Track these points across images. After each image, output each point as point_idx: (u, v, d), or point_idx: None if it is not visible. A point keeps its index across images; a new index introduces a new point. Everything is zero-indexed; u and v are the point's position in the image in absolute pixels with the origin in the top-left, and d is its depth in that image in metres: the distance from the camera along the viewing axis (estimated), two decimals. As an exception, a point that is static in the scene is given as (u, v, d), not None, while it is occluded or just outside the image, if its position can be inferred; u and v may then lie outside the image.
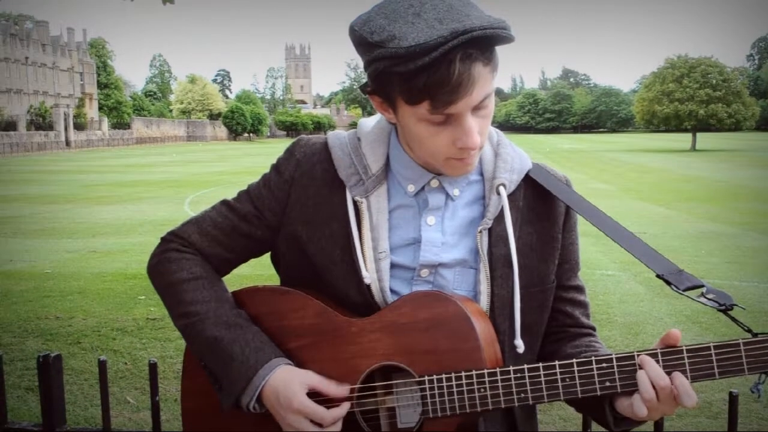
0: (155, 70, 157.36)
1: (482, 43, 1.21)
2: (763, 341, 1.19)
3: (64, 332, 7.21)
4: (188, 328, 1.45)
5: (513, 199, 1.44)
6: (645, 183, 26.68)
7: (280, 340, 1.43)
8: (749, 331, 1.24)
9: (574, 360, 1.27)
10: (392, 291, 1.40)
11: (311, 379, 1.36)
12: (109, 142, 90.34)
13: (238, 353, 1.39)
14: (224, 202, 1.54)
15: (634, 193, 22.48)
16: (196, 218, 1.55)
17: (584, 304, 1.55)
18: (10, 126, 72.95)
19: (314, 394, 1.35)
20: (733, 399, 1.80)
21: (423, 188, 1.42)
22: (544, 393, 1.28)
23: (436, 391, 1.30)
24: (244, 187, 1.55)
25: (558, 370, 1.27)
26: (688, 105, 64.04)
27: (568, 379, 1.26)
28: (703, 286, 1.32)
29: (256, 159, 47.16)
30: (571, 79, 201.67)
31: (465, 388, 1.29)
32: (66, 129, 79.87)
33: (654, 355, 1.24)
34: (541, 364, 1.28)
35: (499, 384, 1.28)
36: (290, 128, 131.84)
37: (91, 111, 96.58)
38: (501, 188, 1.42)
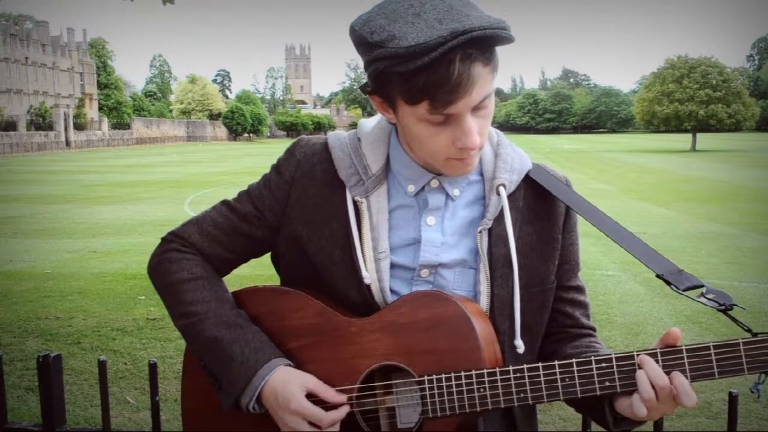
0: (155, 71, 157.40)
1: (482, 44, 1.21)
2: (762, 341, 1.19)
3: (64, 332, 7.21)
4: (188, 328, 1.46)
5: (513, 199, 1.44)
6: (645, 183, 26.69)
7: (280, 340, 1.43)
8: (749, 330, 1.24)
9: (574, 360, 1.27)
10: (392, 291, 1.40)
11: (310, 381, 1.36)
12: (109, 142, 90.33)
13: (237, 353, 1.39)
14: (224, 203, 1.54)
15: (634, 194, 22.48)
16: (197, 218, 1.55)
17: (584, 305, 1.55)
18: (10, 126, 72.96)
19: (312, 397, 1.35)
20: (732, 399, 1.80)
21: (423, 188, 1.42)
22: (544, 393, 1.28)
23: (436, 391, 1.30)
24: (245, 188, 1.55)
25: (557, 370, 1.27)
26: (688, 105, 64.08)
27: (567, 379, 1.27)
28: (702, 286, 1.32)
29: (256, 159, 47.17)
30: (571, 80, 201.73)
31: (464, 388, 1.29)
32: (66, 129, 79.88)
33: (653, 355, 1.24)
34: (540, 364, 1.28)
35: (499, 384, 1.28)
36: (290, 128, 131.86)
37: (91, 111, 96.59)
38: (501, 188, 1.42)
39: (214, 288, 1.48)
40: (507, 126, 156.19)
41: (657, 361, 1.23)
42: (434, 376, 1.30)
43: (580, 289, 1.54)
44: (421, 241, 1.41)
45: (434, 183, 1.42)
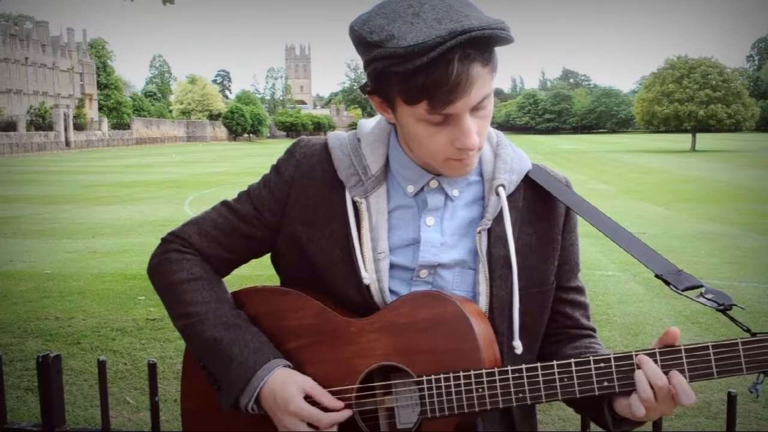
0: (155, 71, 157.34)
1: (481, 44, 1.21)
2: (761, 341, 1.19)
3: (63, 333, 7.21)
4: (188, 329, 1.46)
5: (512, 199, 1.44)
6: (645, 183, 26.69)
7: (280, 340, 1.43)
8: (748, 330, 1.24)
9: (572, 360, 1.27)
10: (391, 291, 1.40)
11: (308, 384, 1.37)
12: (108, 142, 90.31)
13: (237, 354, 1.39)
14: (224, 203, 1.54)
15: (633, 194, 22.49)
16: (197, 219, 1.55)
17: (584, 306, 1.55)
18: (10, 126, 72.93)
19: (310, 400, 1.35)
20: (731, 399, 1.80)
21: (422, 189, 1.42)
22: (542, 393, 1.28)
23: (435, 392, 1.30)
24: (245, 188, 1.55)
25: (556, 370, 1.27)
26: (687, 106, 64.10)
27: (566, 379, 1.27)
28: (702, 286, 1.32)
29: (256, 159, 47.17)
30: (571, 80, 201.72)
31: (463, 389, 1.29)
32: (66, 129, 79.86)
33: (652, 355, 1.24)
34: (539, 364, 1.28)
35: (498, 384, 1.28)
36: (290, 129, 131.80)
37: (91, 111, 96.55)
38: (500, 189, 1.42)
39: (214, 288, 1.49)
40: (507, 126, 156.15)
41: (656, 361, 1.23)
42: (433, 377, 1.30)
43: (580, 290, 1.54)
44: (421, 241, 1.41)
45: (433, 183, 1.42)
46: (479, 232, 1.40)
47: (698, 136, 65.02)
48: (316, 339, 1.40)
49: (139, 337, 7.05)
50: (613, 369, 1.25)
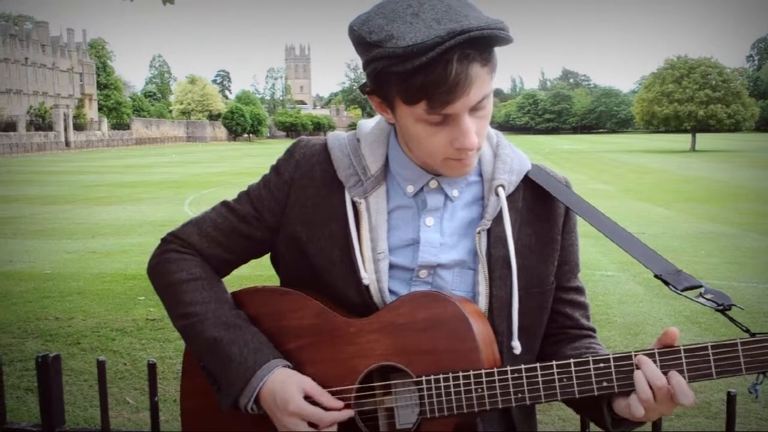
0: (155, 71, 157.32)
1: (480, 44, 1.21)
2: (761, 341, 1.19)
3: (63, 333, 7.21)
4: (187, 329, 1.46)
5: (512, 200, 1.44)
6: (645, 183, 26.70)
7: (279, 340, 1.43)
8: (747, 331, 1.24)
9: (572, 360, 1.27)
10: (391, 292, 1.40)
11: (307, 384, 1.37)
12: (108, 142, 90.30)
13: (236, 354, 1.39)
14: (224, 204, 1.55)
15: (633, 194, 22.49)
16: (196, 219, 1.55)
17: (584, 306, 1.55)
18: (10, 126, 72.92)
19: (309, 400, 1.35)
20: (731, 399, 1.80)
21: (422, 189, 1.42)
22: (542, 393, 1.28)
23: (434, 392, 1.30)
24: (244, 188, 1.55)
25: (555, 371, 1.27)
26: (687, 106, 64.12)
27: (565, 380, 1.27)
28: (701, 286, 1.32)
29: (256, 160, 47.17)
30: (571, 80, 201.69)
31: (462, 389, 1.29)
32: (65, 129, 79.85)
33: (651, 355, 1.24)
34: (538, 365, 1.28)
35: (497, 384, 1.28)
36: (290, 129, 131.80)
37: (91, 111, 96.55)
38: (500, 189, 1.42)
39: (214, 288, 1.49)
40: (506, 126, 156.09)
41: (655, 362, 1.23)
42: (432, 377, 1.30)
43: (579, 290, 1.54)
44: (420, 241, 1.41)
45: (433, 183, 1.42)
46: (479, 233, 1.40)
47: (698, 136, 65.03)
48: (315, 339, 1.40)
49: (139, 337, 7.05)
50: (613, 369, 1.25)
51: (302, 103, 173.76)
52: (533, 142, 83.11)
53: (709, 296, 1.30)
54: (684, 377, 1.22)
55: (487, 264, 1.40)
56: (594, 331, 1.55)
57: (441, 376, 1.30)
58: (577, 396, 1.26)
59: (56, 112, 79.41)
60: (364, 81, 1.34)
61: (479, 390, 1.29)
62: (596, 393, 1.26)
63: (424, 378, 1.31)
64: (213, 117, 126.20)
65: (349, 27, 1.29)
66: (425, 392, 1.31)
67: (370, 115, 1.55)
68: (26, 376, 5.82)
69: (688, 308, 7.85)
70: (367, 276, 1.39)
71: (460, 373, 1.29)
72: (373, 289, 1.39)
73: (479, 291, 1.40)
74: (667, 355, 1.23)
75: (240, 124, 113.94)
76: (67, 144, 79.19)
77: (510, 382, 1.28)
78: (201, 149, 79.39)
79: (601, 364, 1.26)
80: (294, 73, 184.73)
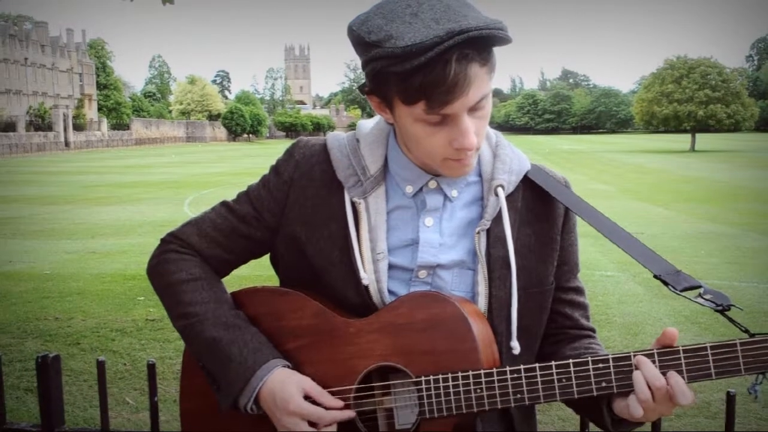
0: (154, 71, 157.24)
1: (479, 44, 1.21)
2: (760, 342, 1.19)
3: (63, 333, 7.21)
4: (187, 329, 1.46)
5: (511, 200, 1.44)
6: (644, 184, 26.70)
7: (279, 340, 1.43)
8: (746, 331, 1.24)
9: (571, 360, 1.27)
10: (390, 292, 1.40)
11: (307, 384, 1.37)
12: (108, 143, 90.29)
13: (236, 354, 1.39)
14: (224, 204, 1.55)
15: (633, 194, 22.49)
16: (196, 219, 1.55)
17: (584, 306, 1.55)
18: (10, 127, 72.90)
19: (309, 400, 1.35)
20: (730, 399, 1.80)
21: (421, 189, 1.42)
22: (541, 393, 1.28)
23: (433, 392, 1.30)
24: (244, 189, 1.55)
25: (554, 371, 1.27)
26: (687, 106, 64.13)
27: (564, 380, 1.27)
28: (700, 286, 1.32)
29: (256, 160, 47.16)
30: (571, 80, 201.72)
31: (462, 389, 1.29)
32: (65, 130, 79.83)
33: (650, 356, 1.24)
34: (537, 365, 1.28)
35: (496, 385, 1.28)
36: (289, 129, 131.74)
37: (91, 112, 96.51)
38: (499, 189, 1.42)
39: (213, 289, 1.49)
40: (506, 126, 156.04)
41: (654, 362, 1.23)
42: (432, 377, 1.30)
43: (579, 291, 1.54)
44: (419, 242, 1.41)
45: (432, 184, 1.42)
46: (478, 233, 1.40)
47: (698, 136, 65.03)
48: (315, 339, 1.40)
49: (139, 337, 7.05)
50: (612, 370, 1.25)
51: (302, 103, 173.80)
52: (533, 143, 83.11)
53: (708, 296, 1.30)
54: (683, 378, 1.22)
55: (486, 264, 1.40)
56: (593, 331, 1.55)
57: (440, 376, 1.30)
58: (576, 396, 1.26)
59: (56, 113, 79.39)
60: (363, 81, 1.34)
61: (478, 390, 1.29)
62: (595, 393, 1.26)
63: (423, 378, 1.31)
64: (213, 117, 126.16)
65: (348, 27, 1.29)
66: (424, 392, 1.31)
67: (370, 116, 1.55)
68: (26, 376, 5.82)
69: (687, 308, 7.85)
70: (366, 276, 1.39)
71: (460, 374, 1.29)
72: (373, 290, 1.39)
73: (478, 291, 1.40)
74: (666, 355, 1.23)
75: (240, 125, 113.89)
76: (67, 144, 79.17)
77: (509, 383, 1.28)
78: (201, 149, 79.39)
79: (600, 365, 1.26)
80: (294, 74, 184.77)
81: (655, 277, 1.36)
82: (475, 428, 1.39)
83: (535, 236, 1.46)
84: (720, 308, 1.28)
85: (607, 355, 1.26)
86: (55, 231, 14.92)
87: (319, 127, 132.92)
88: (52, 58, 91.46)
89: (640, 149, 62.08)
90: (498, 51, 1.27)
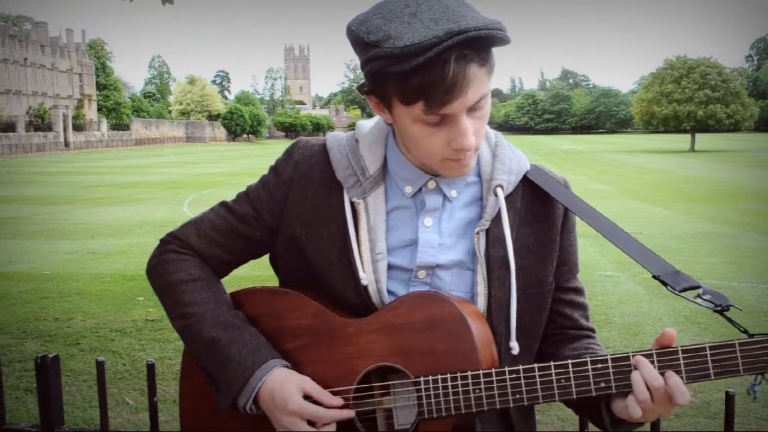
0: (154, 71, 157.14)
1: (477, 44, 1.21)
2: (759, 342, 1.19)
3: (62, 333, 7.21)
4: (186, 329, 1.46)
5: (511, 200, 1.44)
6: (644, 184, 26.70)
7: (278, 340, 1.43)
8: (745, 332, 1.24)
9: (570, 361, 1.27)
10: (389, 292, 1.40)
11: (306, 383, 1.36)
12: (108, 143, 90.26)
13: (235, 354, 1.39)
14: (223, 204, 1.54)
15: (633, 194, 22.50)
16: (195, 220, 1.55)
17: (583, 306, 1.55)
18: (9, 127, 72.88)
19: (308, 399, 1.35)
20: (729, 398, 1.80)
21: (420, 189, 1.42)
22: (539, 394, 1.27)
23: (432, 392, 1.30)
24: (243, 189, 1.55)
25: (553, 371, 1.27)
26: (686, 106, 64.14)
27: (563, 380, 1.26)
28: (699, 287, 1.32)
29: (255, 160, 47.16)
30: (570, 80, 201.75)
31: (461, 389, 1.29)
32: (65, 130, 79.80)
33: (649, 356, 1.24)
34: (536, 365, 1.28)
35: (495, 385, 1.28)
36: (289, 129, 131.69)
37: (90, 112, 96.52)
38: (498, 189, 1.42)
39: (212, 289, 1.49)
40: (506, 127, 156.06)
41: (653, 362, 1.23)
42: (430, 377, 1.30)
43: (578, 291, 1.54)
44: (419, 242, 1.40)
45: (431, 184, 1.42)
46: (477, 233, 1.40)
47: (697, 136, 65.04)
48: (314, 339, 1.40)
49: (138, 337, 7.05)
50: (611, 370, 1.25)
51: (301, 103, 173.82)
52: (532, 143, 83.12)
53: (707, 297, 1.29)
54: (682, 378, 1.22)
55: (485, 264, 1.39)
56: (593, 331, 1.55)
57: (439, 376, 1.30)
58: (575, 397, 1.26)
59: (55, 113, 79.36)
60: (363, 81, 1.34)
61: (477, 391, 1.29)
62: (594, 394, 1.26)
63: (422, 378, 1.31)
64: (212, 117, 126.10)
65: (348, 27, 1.29)
66: (423, 393, 1.31)
67: (370, 116, 1.55)
68: (25, 376, 5.82)
69: (687, 308, 7.85)
70: (365, 276, 1.39)
71: (458, 374, 1.29)
72: (372, 290, 1.39)
73: (478, 291, 1.40)
74: (665, 355, 1.23)
75: (239, 125, 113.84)
76: (67, 144, 79.14)
77: (508, 383, 1.28)
78: (200, 150, 79.38)
79: (599, 365, 1.25)
80: (293, 74, 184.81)
81: (654, 277, 1.36)
82: (474, 428, 1.38)
83: (534, 236, 1.46)
84: (719, 309, 1.28)
85: (606, 355, 1.26)
86: (55, 231, 14.93)
87: (318, 128, 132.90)
88: (51, 59, 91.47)
89: (639, 149, 62.09)
90: (497, 51, 1.27)
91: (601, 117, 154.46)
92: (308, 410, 1.33)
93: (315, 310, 1.41)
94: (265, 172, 1.53)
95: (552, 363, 1.27)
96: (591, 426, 1.49)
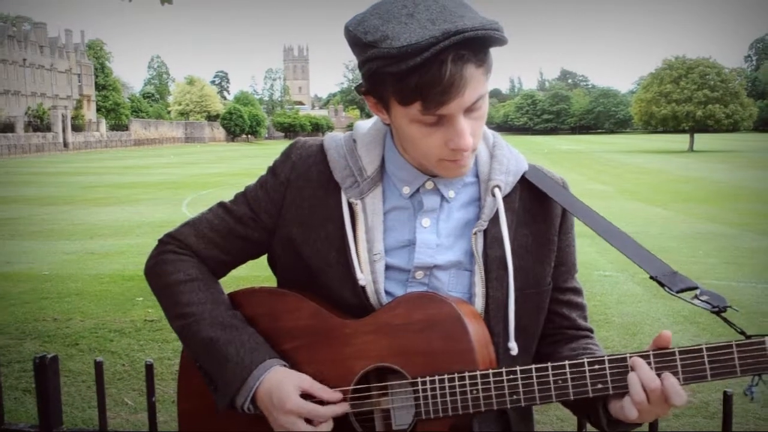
0: (153, 72, 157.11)
1: (475, 45, 1.21)
2: (756, 343, 1.18)
3: (61, 334, 7.21)
4: (184, 329, 1.46)
5: (508, 200, 1.44)
6: (643, 184, 26.70)
7: (276, 341, 1.43)
8: (742, 333, 1.24)
9: (567, 362, 1.27)
10: (387, 293, 1.40)
11: (305, 381, 1.36)
12: (107, 143, 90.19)
13: (233, 354, 1.39)
14: (221, 204, 1.55)
15: (631, 194, 22.49)
16: (193, 220, 1.56)
17: (581, 306, 1.55)
18: (8, 128, 72.82)
19: (307, 397, 1.35)
20: (727, 398, 1.80)
21: (418, 190, 1.42)
22: (536, 395, 1.27)
23: (429, 393, 1.30)
24: (242, 190, 1.55)
25: (550, 372, 1.27)
26: (685, 106, 64.14)
27: (560, 381, 1.26)
28: (697, 287, 1.32)
29: (254, 160, 47.14)
30: (570, 80, 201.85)
31: (458, 390, 1.29)
32: (64, 130, 79.73)
33: (646, 357, 1.24)
34: (533, 366, 1.28)
35: (492, 386, 1.28)
36: (288, 129, 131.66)
37: (89, 112, 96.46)
38: (496, 190, 1.42)
39: (210, 289, 1.49)
40: (505, 127, 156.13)
41: (650, 363, 1.23)
42: (428, 378, 1.30)
43: (577, 291, 1.54)
44: (416, 242, 1.40)
45: (429, 185, 1.42)
46: (475, 233, 1.40)
47: (696, 136, 65.03)
48: (311, 340, 1.40)
49: (137, 338, 7.05)
50: (607, 371, 1.25)
51: (300, 103, 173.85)
52: (532, 143, 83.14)
53: (704, 298, 1.29)
54: (679, 379, 1.22)
55: (483, 265, 1.40)
56: (591, 331, 1.55)
57: (436, 377, 1.30)
58: (572, 397, 1.26)
59: (54, 113, 79.27)
60: (361, 81, 1.35)
61: (474, 391, 1.29)
62: (591, 395, 1.26)
63: (419, 379, 1.31)
64: (211, 118, 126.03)
65: (345, 27, 1.29)
66: (420, 393, 1.31)
67: (369, 116, 1.56)
68: (24, 377, 5.82)
69: (686, 308, 7.84)
70: (363, 277, 1.39)
71: (456, 375, 1.29)
72: (369, 291, 1.39)
73: (475, 292, 1.40)
74: (661, 357, 1.23)
75: (238, 125, 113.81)
76: (66, 145, 79.08)
77: (505, 384, 1.28)
78: (199, 150, 79.36)
79: (596, 366, 1.25)
80: (292, 74, 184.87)
81: (652, 278, 1.36)
82: (471, 429, 1.39)
83: (532, 237, 1.46)
84: (716, 310, 1.27)
85: (603, 356, 1.26)
86: (54, 232, 14.92)
87: (317, 128, 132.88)
88: (50, 59, 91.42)
89: (638, 149, 62.10)
90: (496, 51, 1.27)
91: (600, 117, 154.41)
92: (306, 409, 1.33)
93: (313, 310, 1.41)
94: (264, 172, 1.53)
95: (549, 364, 1.27)
96: (589, 426, 1.50)
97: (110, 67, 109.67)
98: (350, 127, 1.62)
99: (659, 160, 44.63)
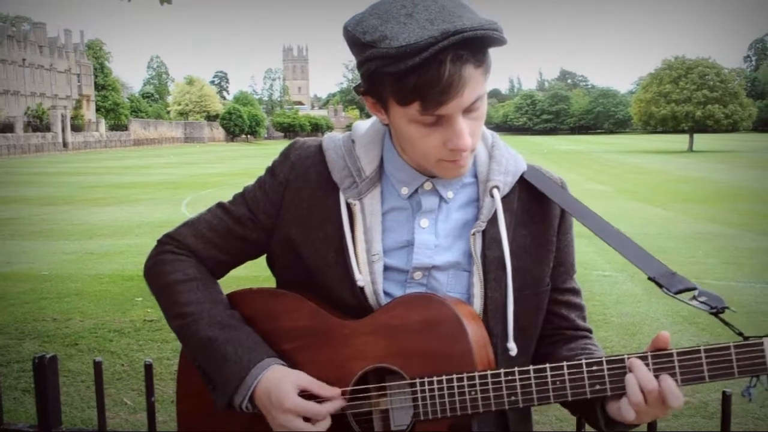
0: (152, 72, 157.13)
1: (473, 45, 1.21)
2: (753, 345, 1.18)
3: (61, 334, 7.21)
4: (183, 329, 1.46)
5: (507, 201, 1.44)
6: (642, 184, 26.70)
7: (274, 341, 1.43)
8: (740, 334, 1.24)
9: (565, 363, 1.27)
10: (386, 293, 1.40)
11: (302, 379, 1.36)
12: (106, 143, 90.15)
13: (231, 353, 1.39)
14: (220, 205, 1.55)
15: (631, 194, 22.49)
16: (192, 221, 1.56)
17: (580, 307, 1.55)
18: (7, 128, 72.77)
19: (306, 396, 1.35)
20: (726, 398, 1.80)
21: (416, 191, 1.42)
22: (535, 396, 1.27)
23: (428, 394, 1.30)
24: (240, 190, 1.55)
25: (549, 373, 1.27)
26: (685, 106, 64.12)
27: (558, 382, 1.26)
28: (695, 288, 1.31)
29: (254, 160, 47.13)
30: (569, 81, 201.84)
31: (456, 391, 1.29)
32: (63, 130, 79.68)
33: (644, 358, 1.24)
34: (531, 367, 1.28)
35: (490, 387, 1.28)
36: (288, 129, 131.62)
37: (89, 112, 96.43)
38: (495, 190, 1.42)
39: (209, 289, 1.49)
40: (505, 127, 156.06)
41: (647, 365, 1.23)
42: (426, 379, 1.30)
43: (575, 292, 1.54)
44: (415, 243, 1.40)
45: (428, 185, 1.42)
46: (473, 234, 1.40)
47: (696, 136, 65.01)
48: (310, 341, 1.40)
49: (137, 338, 7.05)
50: (605, 372, 1.25)
51: (300, 103, 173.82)
52: (531, 143, 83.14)
53: (702, 299, 1.29)
54: (677, 381, 1.22)
55: (481, 266, 1.39)
56: (590, 331, 1.55)
57: (435, 378, 1.30)
58: (570, 398, 1.26)
59: (54, 113, 79.23)
60: (360, 81, 1.35)
61: (472, 392, 1.29)
62: (589, 396, 1.26)
63: (417, 380, 1.31)
64: (211, 118, 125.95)
65: (344, 27, 1.29)
66: (419, 394, 1.31)
67: (368, 116, 1.55)
68: (23, 377, 5.82)
69: (685, 308, 7.84)
70: (361, 278, 1.39)
71: (454, 376, 1.29)
72: (368, 291, 1.39)
73: (474, 293, 1.40)
74: (659, 358, 1.23)
75: (238, 125, 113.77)
76: (65, 145, 79.04)
77: (503, 385, 1.28)
78: (199, 150, 79.35)
79: (594, 367, 1.25)
80: (292, 74, 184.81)
81: (650, 279, 1.36)
82: (470, 429, 1.39)
83: (530, 237, 1.46)
84: (714, 311, 1.27)
85: (601, 357, 1.26)
86: (53, 232, 14.92)
87: (317, 128, 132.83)
88: (50, 59, 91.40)
89: (637, 149, 62.09)
90: (496, 51, 1.27)
91: (600, 117, 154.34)
92: (304, 407, 1.33)
93: (311, 311, 1.41)
94: (263, 173, 1.53)
95: (547, 365, 1.27)
96: (588, 427, 1.50)
97: (110, 67, 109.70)
98: (350, 127, 1.62)
99: (658, 160, 44.63)
